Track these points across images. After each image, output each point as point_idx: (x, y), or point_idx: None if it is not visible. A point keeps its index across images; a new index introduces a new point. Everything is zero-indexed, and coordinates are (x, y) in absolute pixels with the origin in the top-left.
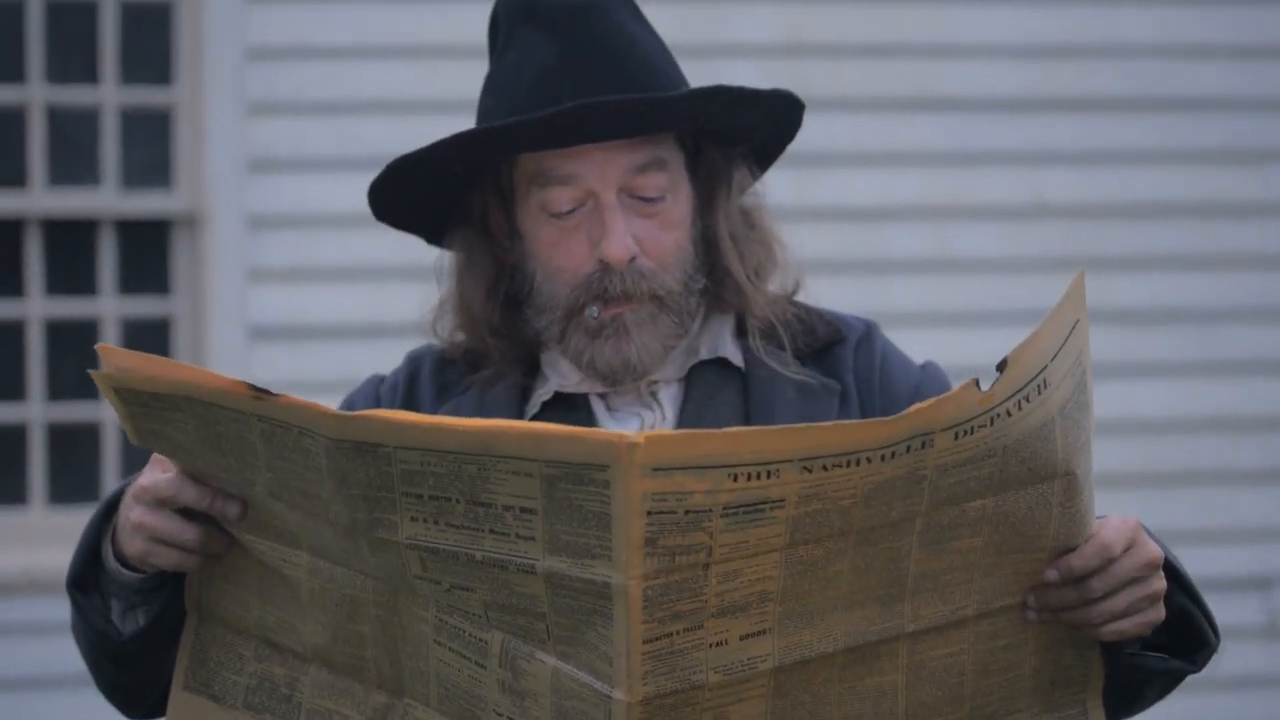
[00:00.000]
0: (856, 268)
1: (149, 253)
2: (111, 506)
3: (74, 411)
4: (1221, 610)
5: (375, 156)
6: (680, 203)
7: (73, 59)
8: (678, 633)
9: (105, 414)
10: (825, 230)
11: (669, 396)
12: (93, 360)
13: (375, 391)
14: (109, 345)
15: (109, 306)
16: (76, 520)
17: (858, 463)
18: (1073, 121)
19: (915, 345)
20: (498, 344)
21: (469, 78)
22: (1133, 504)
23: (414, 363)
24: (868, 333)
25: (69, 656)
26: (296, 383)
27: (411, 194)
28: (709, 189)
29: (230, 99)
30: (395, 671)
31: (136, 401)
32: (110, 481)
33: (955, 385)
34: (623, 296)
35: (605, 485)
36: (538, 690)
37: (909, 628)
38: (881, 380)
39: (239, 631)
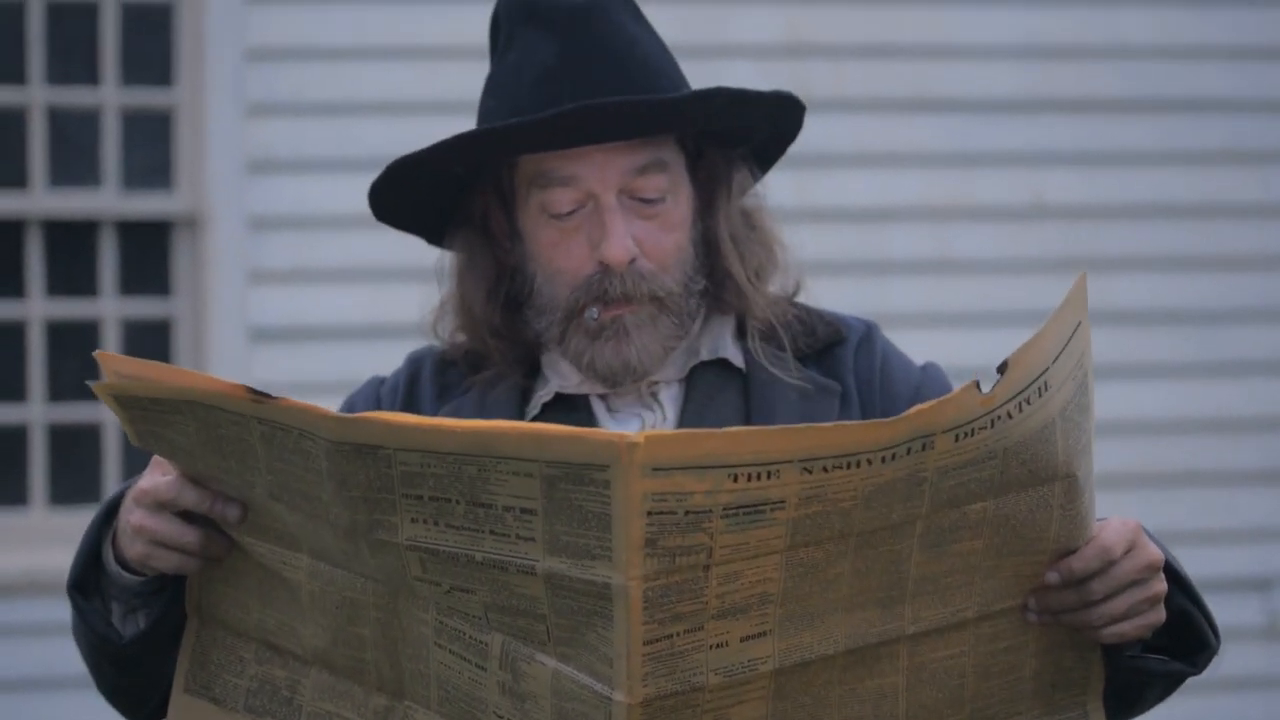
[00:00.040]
0: (856, 268)
1: (149, 254)
2: (112, 510)
3: (75, 412)
4: (1221, 611)
5: (376, 158)
6: (680, 204)
7: (73, 60)
8: (678, 634)
9: (106, 415)
10: (825, 231)
11: (670, 397)
12: (93, 362)
13: (376, 393)
14: (107, 352)
15: (110, 308)
16: (77, 521)
17: (858, 464)
18: (1072, 122)
19: (915, 346)
20: (498, 345)
21: (469, 79)
22: (1133, 504)
23: (414, 364)
24: (868, 333)
25: (70, 658)
26: (297, 384)
27: (412, 195)
28: (709, 190)
29: (231, 100)
30: (395, 674)
31: (136, 406)
32: (111, 482)
33: (956, 386)
34: (623, 298)
35: (605, 485)
36: (538, 692)
37: (909, 630)
38: (882, 381)
39: (239, 634)
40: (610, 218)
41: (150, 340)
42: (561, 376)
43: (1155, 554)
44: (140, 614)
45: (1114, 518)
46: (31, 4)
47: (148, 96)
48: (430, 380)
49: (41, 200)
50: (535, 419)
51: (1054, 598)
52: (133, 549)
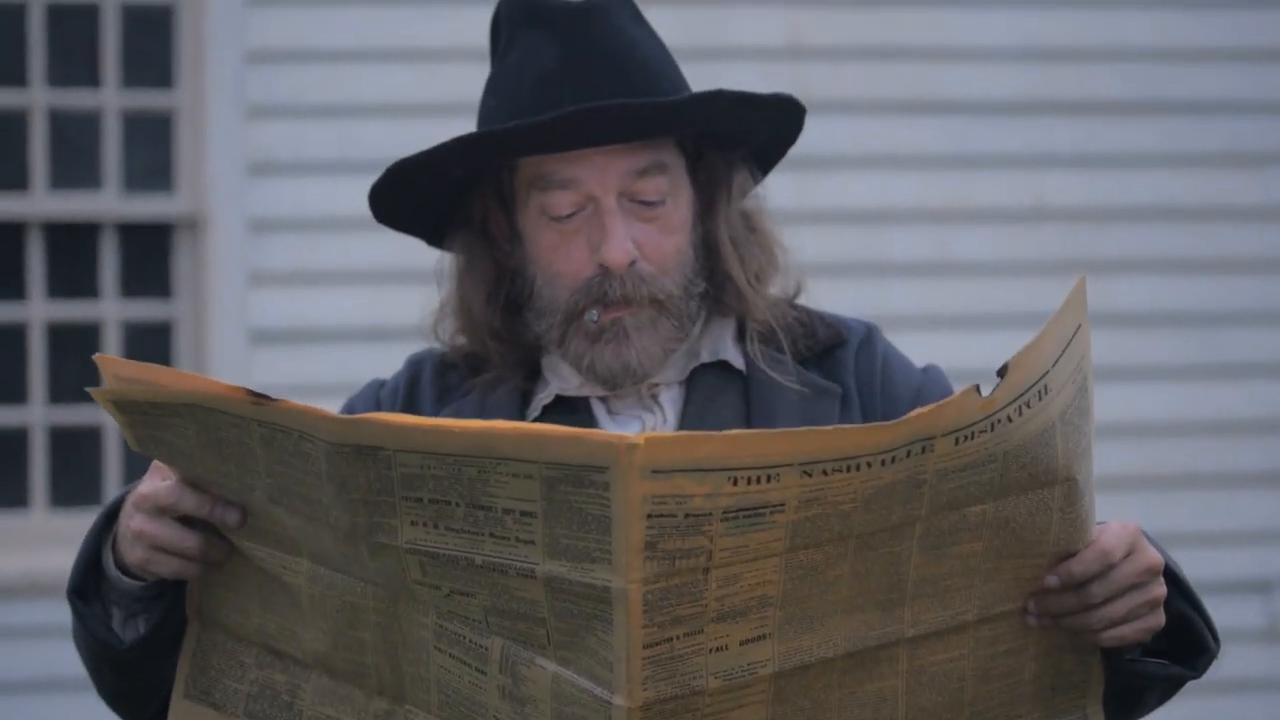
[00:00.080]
0: (856, 270)
1: (150, 256)
2: (112, 514)
3: (75, 414)
4: (1221, 613)
5: (376, 160)
6: (680, 207)
7: (74, 62)
8: (678, 637)
9: (106, 417)
10: (825, 233)
11: (670, 399)
12: (94, 364)
13: (375, 395)
14: (107, 355)
15: (110, 310)
16: (78, 523)
17: (858, 467)
18: (1072, 124)
19: (915, 348)
20: (498, 347)
21: (469, 81)
22: (1133, 506)
23: (415, 366)
24: (869, 335)
25: (70, 660)
26: (297, 386)
27: (412, 197)
28: (709, 193)
29: (231, 102)
30: (396, 678)
31: (136, 410)
32: (112, 484)
33: (957, 389)
34: (622, 301)
35: (605, 488)
36: (538, 696)
37: (909, 633)
38: (883, 383)
39: (240, 639)
40: (610, 220)
41: (151, 342)
42: (562, 379)
43: (1155, 558)
44: (140, 619)
45: (1114, 521)
46: (32, 6)
47: (148, 99)
48: (430, 383)
49: (42, 202)
50: (535, 421)
51: (1053, 601)
52: (133, 554)
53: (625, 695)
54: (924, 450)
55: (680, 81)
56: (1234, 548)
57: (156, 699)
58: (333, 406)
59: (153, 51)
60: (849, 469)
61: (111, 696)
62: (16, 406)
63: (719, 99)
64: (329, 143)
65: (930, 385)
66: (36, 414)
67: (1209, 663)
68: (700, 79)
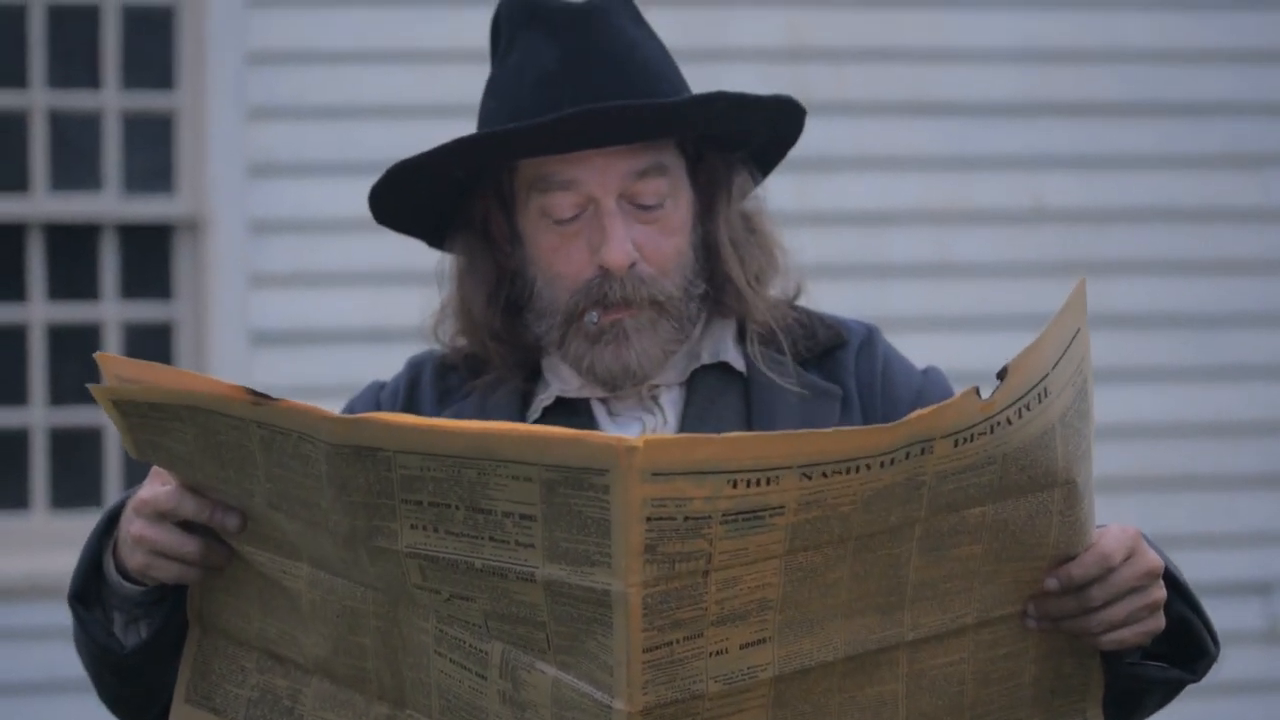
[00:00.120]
0: (856, 272)
1: (151, 257)
2: (112, 520)
3: (76, 416)
4: (1221, 615)
5: (376, 161)
6: (680, 208)
7: (74, 64)
8: (678, 641)
9: (107, 419)
10: (825, 234)
11: (670, 401)
12: (94, 365)
13: (375, 397)
14: (108, 354)
15: (111, 311)
16: (78, 525)
17: (857, 469)
18: (1072, 126)
19: (915, 349)
20: (498, 349)
21: (470, 82)
22: (1132, 508)
23: (415, 368)
24: (869, 337)
25: (71, 662)
26: (298, 388)
27: (412, 198)
28: (709, 194)
29: (232, 104)
30: (397, 683)
31: (135, 413)
32: (112, 486)
33: (957, 390)
34: (623, 302)
35: (605, 490)
36: (538, 701)
37: (909, 636)
38: (883, 385)
39: (241, 643)
40: (610, 222)
41: (151, 344)
42: (562, 380)
43: (1155, 561)
44: (142, 624)
45: (1113, 525)
46: (33, 7)
47: (149, 100)
48: (430, 384)
49: (43, 204)
50: (536, 423)
51: (1053, 604)
52: (133, 559)
53: (625, 699)
54: (923, 452)
55: (680, 83)
56: (1233, 549)
57: (158, 704)
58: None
59: (153, 53)
60: (848, 471)
61: (113, 701)
62: (17, 408)
63: (719, 100)
64: (329, 144)
65: (931, 387)
66: (37, 415)
67: (1209, 666)
68: (700, 80)
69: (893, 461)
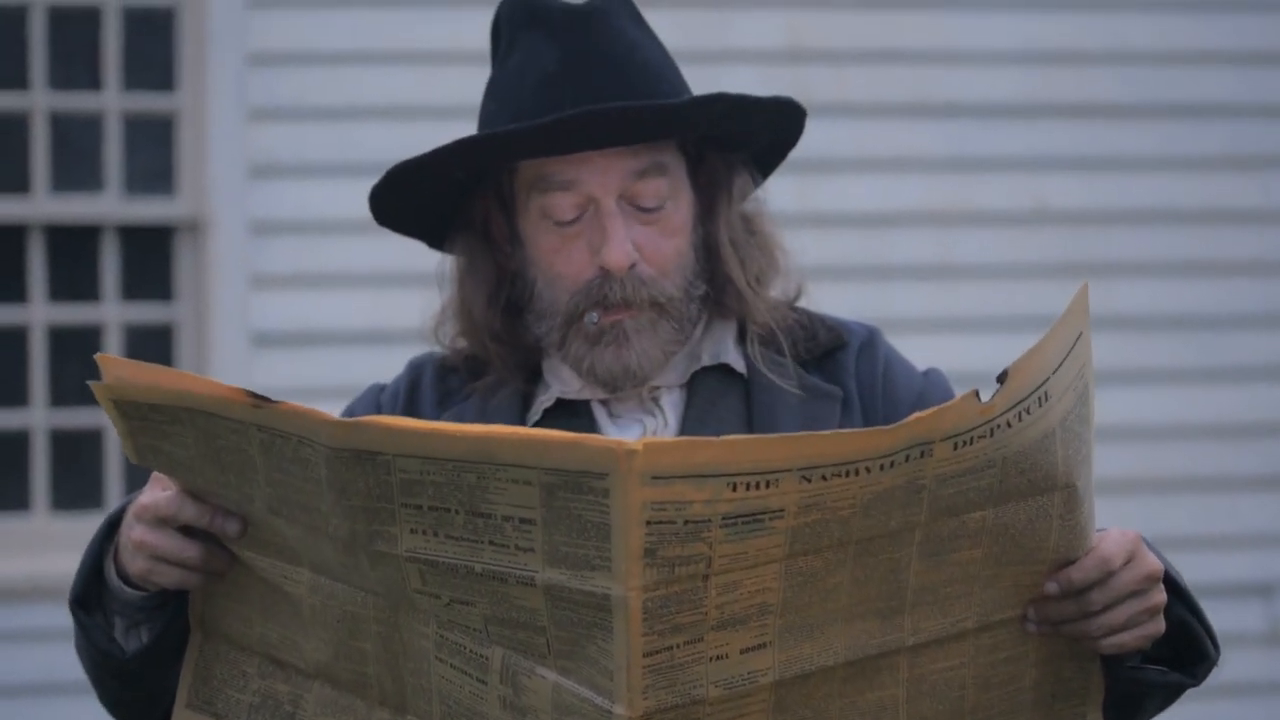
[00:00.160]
0: (858, 273)
1: (151, 259)
2: (113, 525)
3: (77, 417)
4: (1223, 616)
5: (377, 162)
6: (681, 209)
7: (75, 65)
8: (678, 646)
9: (108, 420)
10: (827, 236)
11: (671, 403)
12: (95, 366)
13: (376, 400)
14: (108, 355)
15: (111, 312)
16: (79, 526)
17: (856, 472)
18: (1074, 127)
19: (917, 351)
20: (499, 350)
21: (470, 83)
22: (1134, 510)
23: (415, 370)
24: (870, 339)
25: (71, 663)
26: (299, 389)
27: (413, 199)
28: (710, 195)
29: (232, 105)
30: (398, 688)
31: (136, 415)
32: (113, 487)
33: (958, 392)
34: (623, 303)
35: (604, 494)
36: (539, 706)
37: (909, 640)
38: (884, 387)
39: (243, 648)
40: (610, 223)
41: (152, 345)
42: (563, 382)
43: (1155, 565)
44: (143, 629)
45: (1113, 528)
46: (33, 9)
47: (149, 101)
48: (431, 386)
49: (43, 205)
50: (536, 425)
51: (1053, 608)
52: (134, 564)
53: (626, 704)
54: (923, 455)
55: (680, 84)
56: (1235, 551)
57: (159, 709)
58: (334, 410)
59: (154, 54)
60: (848, 474)
61: (114, 706)
62: (18, 409)
63: (719, 101)
64: (330, 145)
65: (932, 389)
66: (38, 417)
67: (1209, 670)
68: (701, 82)
69: (892, 464)
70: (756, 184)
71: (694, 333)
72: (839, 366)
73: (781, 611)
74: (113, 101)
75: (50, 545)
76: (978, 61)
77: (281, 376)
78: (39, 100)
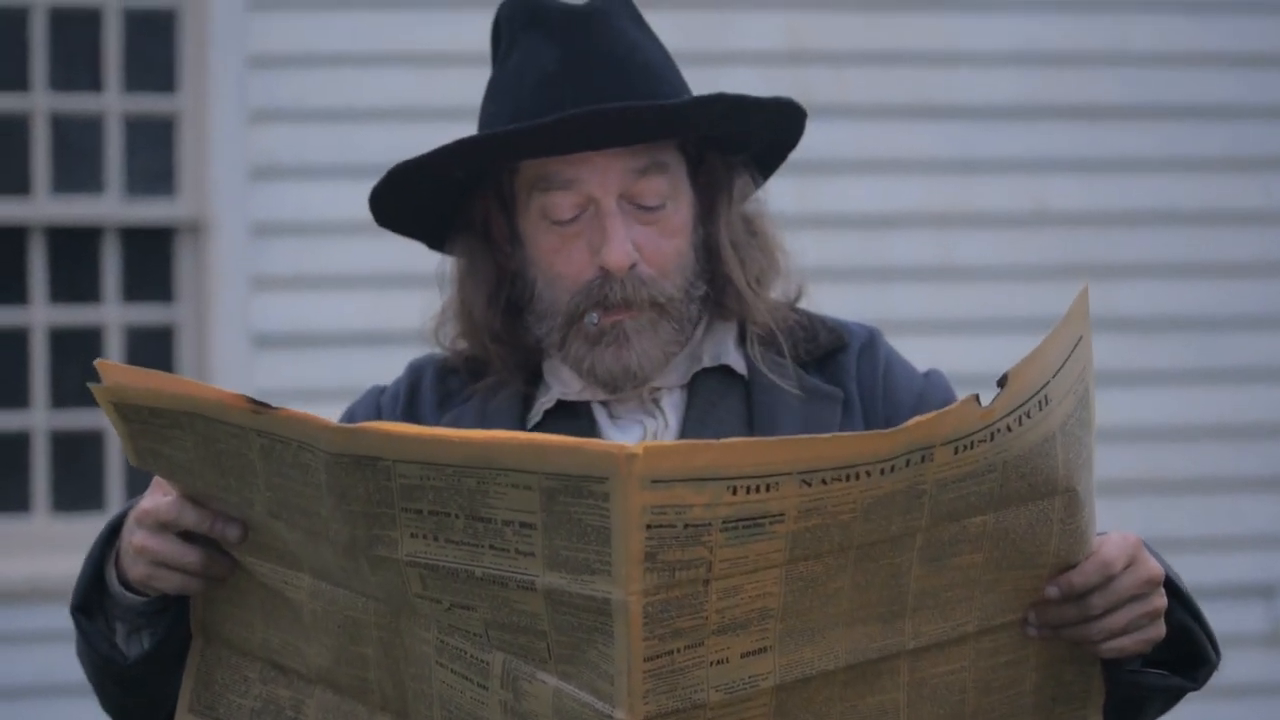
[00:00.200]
0: (859, 275)
1: (152, 260)
2: (114, 530)
3: (77, 419)
4: (1224, 618)
5: (378, 164)
6: (681, 209)
7: (76, 66)
8: (678, 650)
9: (108, 422)
10: (827, 237)
11: (672, 404)
12: (95, 368)
13: (376, 402)
14: (107, 361)
15: (112, 314)
16: (80, 528)
17: (856, 476)
18: (1074, 129)
19: (917, 352)
20: (499, 350)
21: (471, 85)
22: (1135, 511)
23: (415, 372)
24: (871, 340)
25: (71, 665)
26: (300, 390)
27: (413, 200)
28: (710, 196)
29: (233, 106)
30: (399, 693)
31: (136, 419)
32: (113, 489)
33: (959, 393)
34: (623, 303)
35: (604, 498)
36: (540, 711)
37: (910, 645)
38: (885, 388)
39: (244, 653)
40: (610, 223)
41: (153, 346)
42: (563, 383)
43: (1155, 569)
44: (144, 634)
45: (1114, 532)
46: (35, 10)
47: (150, 103)
48: (431, 388)
49: (44, 206)
50: (537, 426)
51: (1054, 612)
52: (135, 570)
53: (626, 709)
54: (923, 459)
55: (681, 85)
56: (1236, 552)
57: (161, 714)
58: (335, 411)
59: (155, 55)
60: (848, 478)
61: (116, 712)
62: (18, 411)
63: (719, 102)
64: (331, 147)
65: (933, 390)
66: (38, 418)
67: (1209, 674)
68: (701, 83)
69: (893, 469)
70: (757, 185)
71: (695, 334)
72: (839, 368)
73: (782, 616)
74: (113, 103)
75: (51, 547)
76: (978, 63)
77: (282, 378)
78: (40, 101)
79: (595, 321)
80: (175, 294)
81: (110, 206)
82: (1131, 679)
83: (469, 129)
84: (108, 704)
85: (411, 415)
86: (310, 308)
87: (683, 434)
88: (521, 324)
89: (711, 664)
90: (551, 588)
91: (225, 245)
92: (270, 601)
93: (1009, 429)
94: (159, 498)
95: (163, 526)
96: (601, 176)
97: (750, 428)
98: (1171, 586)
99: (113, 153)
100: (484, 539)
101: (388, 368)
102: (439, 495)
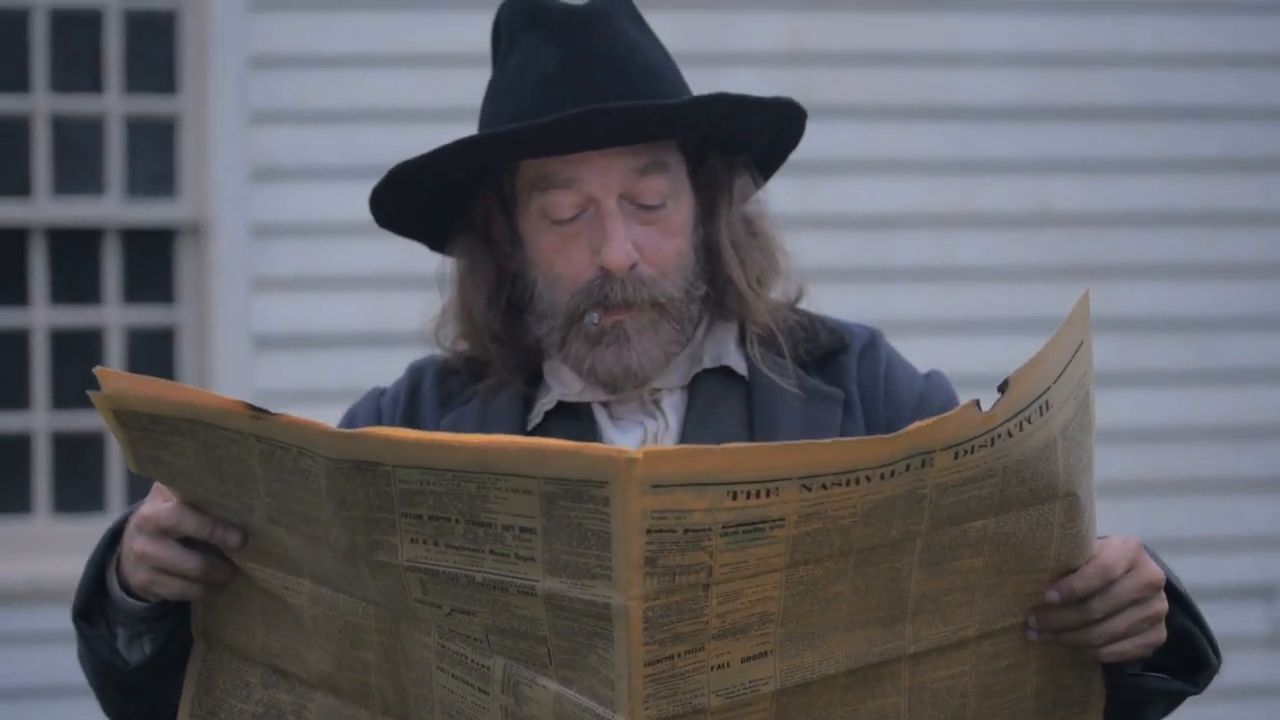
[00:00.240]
0: (859, 275)
1: (153, 261)
2: (115, 536)
3: (78, 420)
4: (1224, 619)
5: (378, 165)
6: (681, 209)
7: (77, 68)
8: (679, 655)
9: None
10: (828, 238)
11: (672, 405)
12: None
13: (376, 404)
14: (107, 369)
15: (113, 315)
16: (81, 529)
17: (857, 481)
18: (1076, 130)
19: (918, 353)
20: (499, 351)
21: (471, 86)
22: (1135, 512)
23: (416, 373)
24: (872, 341)
25: (72, 666)
26: (300, 392)
27: (413, 200)
28: (711, 196)
29: (234, 108)
30: (400, 698)
31: (136, 425)
32: (114, 490)
33: (960, 394)
34: (623, 304)
35: (605, 503)
36: (540, 716)
37: (910, 649)
38: (886, 389)
39: (245, 658)
40: (611, 222)
41: (154, 348)
42: (563, 384)
43: (1156, 573)
44: (146, 640)
45: (1114, 536)
46: (35, 11)
47: (151, 104)
48: (432, 390)
49: (45, 208)
50: (537, 427)
51: (1054, 616)
52: (136, 576)
53: (627, 714)
54: (923, 464)
55: (681, 85)
56: (1236, 553)
57: (162, 719)
58: (335, 412)
59: (156, 57)
60: (848, 483)
61: (117, 716)
62: (19, 412)
63: (720, 101)
64: (332, 148)
65: (934, 391)
66: (39, 420)
67: (1210, 677)
68: (702, 84)
69: (893, 473)
70: (757, 185)
71: (695, 334)
72: (840, 368)
73: (782, 620)
74: (114, 104)
75: (51, 548)
76: (979, 63)
77: (283, 379)
78: (41, 103)
79: (595, 321)
80: (176, 295)
81: (111, 208)
82: (1132, 683)
83: (469, 130)
84: (109, 709)
85: (412, 416)
86: (311, 309)
87: (683, 435)
88: (522, 324)
89: (712, 669)
90: (552, 592)
91: (226, 246)
92: (271, 607)
93: (1009, 434)
94: (159, 504)
95: (163, 532)
96: (602, 176)
97: (751, 428)
98: (1172, 590)
99: (113, 154)
100: (484, 544)
101: (388, 369)
102: (439, 500)
